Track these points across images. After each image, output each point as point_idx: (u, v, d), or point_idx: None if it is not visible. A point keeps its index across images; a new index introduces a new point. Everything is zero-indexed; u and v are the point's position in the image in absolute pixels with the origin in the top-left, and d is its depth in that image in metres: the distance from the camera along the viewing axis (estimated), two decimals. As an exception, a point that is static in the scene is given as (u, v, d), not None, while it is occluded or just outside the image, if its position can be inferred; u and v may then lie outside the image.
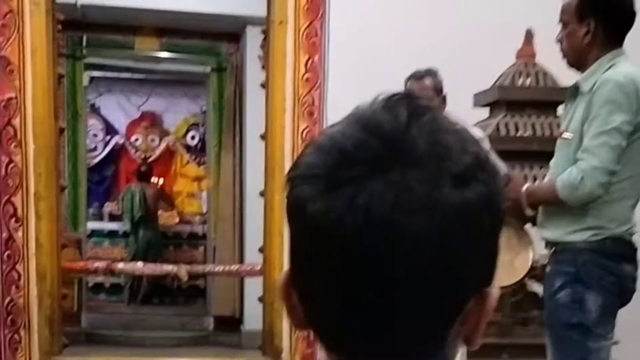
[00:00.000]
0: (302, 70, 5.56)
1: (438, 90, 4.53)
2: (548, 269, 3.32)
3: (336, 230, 0.71)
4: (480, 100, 5.36)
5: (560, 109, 4.71)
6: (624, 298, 3.27)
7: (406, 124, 0.74)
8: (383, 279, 0.71)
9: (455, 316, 0.76)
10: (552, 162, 3.43)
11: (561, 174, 3.15)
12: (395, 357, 0.75)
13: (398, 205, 0.70)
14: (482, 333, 0.78)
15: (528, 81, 4.98)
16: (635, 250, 3.28)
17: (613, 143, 3.07)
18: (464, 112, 4.36)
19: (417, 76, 4.54)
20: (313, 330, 0.79)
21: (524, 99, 5.02)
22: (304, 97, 5.55)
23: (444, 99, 4.55)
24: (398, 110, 0.76)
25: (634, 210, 3.29)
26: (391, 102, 0.77)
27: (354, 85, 5.51)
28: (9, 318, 5.57)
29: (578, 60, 3.33)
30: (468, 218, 0.73)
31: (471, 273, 0.75)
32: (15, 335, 5.57)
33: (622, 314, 3.35)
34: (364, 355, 0.76)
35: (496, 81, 5.18)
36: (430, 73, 4.53)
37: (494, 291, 0.77)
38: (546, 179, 3.53)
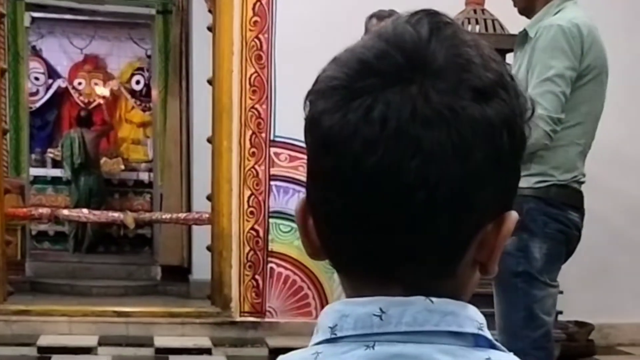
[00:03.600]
0: (250, 13, 5.46)
1: None
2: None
3: (350, 143, 0.69)
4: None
5: (509, 57, 4.69)
6: (570, 246, 3.25)
7: (428, 37, 0.72)
8: (395, 195, 0.69)
9: (470, 240, 0.72)
10: None
11: None
12: (405, 280, 0.72)
13: (415, 116, 0.68)
14: (497, 261, 0.75)
15: (477, 28, 4.93)
16: (581, 198, 3.26)
17: (557, 90, 3.02)
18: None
19: (379, 16, 4.48)
20: (327, 255, 0.77)
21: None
22: (252, 40, 5.47)
23: None
24: (420, 24, 0.73)
25: (582, 158, 3.27)
26: (413, 18, 0.74)
27: (303, 29, 5.43)
28: (-50, 266, 5.45)
29: (527, 6, 3.30)
30: (486, 135, 0.70)
31: (489, 195, 0.72)
32: (-42, 283, 5.47)
33: (566, 265, 3.37)
34: (374, 277, 0.73)
35: (447, 26, 5.14)
36: (394, 15, 4.49)
37: (512, 215, 0.75)
38: None
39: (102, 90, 11.52)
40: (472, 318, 0.72)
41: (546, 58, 3.05)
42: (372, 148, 0.68)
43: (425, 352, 0.70)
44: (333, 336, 0.73)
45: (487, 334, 0.73)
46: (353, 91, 0.70)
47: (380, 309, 0.70)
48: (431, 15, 0.74)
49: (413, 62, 0.70)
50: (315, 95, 0.74)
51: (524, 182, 3.12)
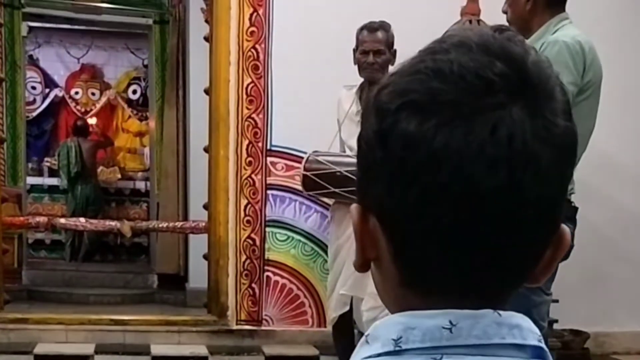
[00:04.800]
0: (247, 23, 5.49)
1: (389, 44, 4.48)
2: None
3: (473, 162, 0.68)
4: (425, 56, 5.33)
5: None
6: (564, 255, 3.34)
7: (525, 56, 0.73)
8: (511, 214, 0.70)
9: (544, 254, 0.75)
10: None
11: None
12: (482, 294, 0.73)
13: (537, 134, 0.69)
14: (552, 271, 0.77)
15: (473, 38, 4.97)
16: (575, 210, 3.38)
17: None
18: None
19: (370, 28, 4.49)
20: (399, 267, 0.75)
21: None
22: (249, 50, 5.49)
23: (394, 54, 4.51)
24: (515, 42, 0.74)
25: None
26: (504, 34, 0.75)
27: (298, 39, 5.45)
28: (-53, 275, 5.46)
29: (523, 27, 3.41)
30: (573, 150, 0.74)
31: (564, 206, 0.75)
32: (-46, 292, 5.47)
33: (562, 274, 3.42)
34: (453, 289, 0.73)
35: (442, 37, 5.17)
36: (384, 27, 4.50)
37: (566, 229, 0.77)
38: None
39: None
40: (533, 331, 0.74)
41: None
42: (497, 167, 0.68)
43: None
44: (397, 348, 0.72)
45: (544, 345, 0.74)
46: (473, 108, 0.69)
47: (450, 322, 0.71)
48: (512, 32, 0.76)
49: (523, 81, 0.70)
50: (412, 108, 0.71)
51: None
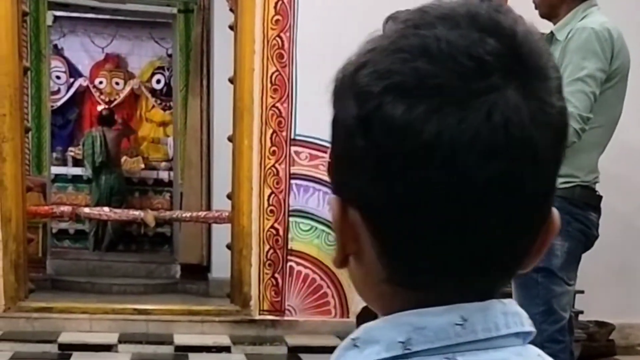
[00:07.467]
0: (272, 12, 5.47)
1: None
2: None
3: (469, 151, 0.63)
4: (452, 44, 5.31)
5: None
6: (588, 244, 3.35)
7: (515, 29, 0.66)
8: (504, 205, 0.65)
9: (538, 239, 0.71)
10: None
11: None
12: (484, 286, 0.69)
13: (534, 118, 0.64)
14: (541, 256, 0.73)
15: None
16: (600, 198, 3.36)
17: (588, 90, 3.10)
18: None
19: (397, 19, 4.46)
20: (388, 266, 0.69)
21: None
22: (273, 39, 5.48)
23: None
24: (505, 11, 0.67)
25: (598, 159, 3.36)
26: (495, 6, 0.67)
27: (324, 28, 5.43)
28: (-27, 263, 5.49)
29: (551, 12, 3.39)
30: (566, 132, 0.69)
31: (555, 192, 0.71)
32: (-21, 280, 5.50)
33: (587, 265, 3.41)
34: (452, 285, 0.68)
35: (468, 25, 5.13)
36: None
37: (556, 212, 0.72)
38: None
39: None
40: (526, 316, 0.71)
41: (579, 59, 3.13)
42: (493, 156, 0.63)
43: (505, 358, 0.68)
44: (407, 351, 0.66)
45: (534, 329, 0.72)
46: (465, 92, 0.63)
47: (462, 317, 0.67)
48: (499, 5, 0.69)
49: (516, 59, 0.65)
50: (397, 92, 0.64)
51: (550, 183, 3.26)
